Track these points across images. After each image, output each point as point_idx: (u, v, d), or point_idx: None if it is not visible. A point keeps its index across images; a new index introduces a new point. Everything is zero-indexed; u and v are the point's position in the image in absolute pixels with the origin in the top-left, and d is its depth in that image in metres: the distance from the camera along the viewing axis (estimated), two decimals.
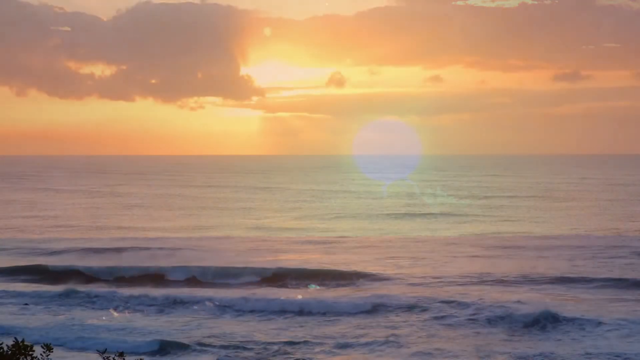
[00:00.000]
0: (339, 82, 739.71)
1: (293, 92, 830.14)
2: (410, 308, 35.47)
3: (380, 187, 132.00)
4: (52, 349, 11.05)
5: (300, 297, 37.69)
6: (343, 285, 41.77)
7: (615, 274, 43.31)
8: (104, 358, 11.27)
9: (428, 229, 68.87)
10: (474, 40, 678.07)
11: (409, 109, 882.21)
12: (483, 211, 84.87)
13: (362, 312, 35.04)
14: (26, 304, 37.51)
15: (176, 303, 36.99)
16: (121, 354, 11.13)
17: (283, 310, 35.09)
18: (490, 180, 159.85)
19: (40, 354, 11.13)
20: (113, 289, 40.20)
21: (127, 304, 36.88)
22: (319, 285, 42.06)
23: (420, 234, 64.61)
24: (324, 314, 34.75)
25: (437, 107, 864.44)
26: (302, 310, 35.34)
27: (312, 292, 40.23)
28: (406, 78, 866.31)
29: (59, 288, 40.49)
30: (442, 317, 33.72)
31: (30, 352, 11.14)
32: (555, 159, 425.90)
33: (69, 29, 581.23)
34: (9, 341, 11.51)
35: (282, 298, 37.03)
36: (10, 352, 11.12)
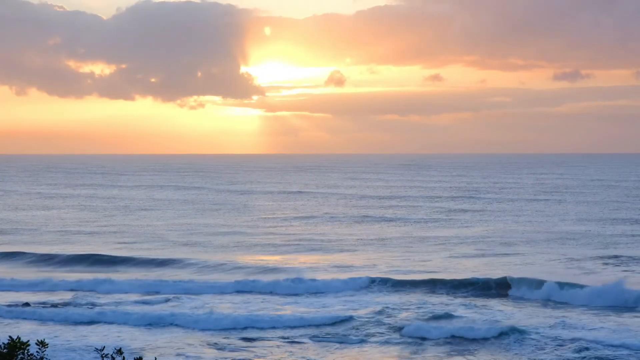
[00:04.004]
0: (338, 81, 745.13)
1: (293, 91, 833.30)
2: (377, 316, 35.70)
3: (348, 189, 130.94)
4: (47, 345, 11.01)
5: None
6: None
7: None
8: (102, 356, 11.01)
9: (378, 232, 68.20)
10: (474, 39, 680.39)
11: (408, 108, 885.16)
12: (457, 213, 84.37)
13: None
14: None
15: None
16: (120, 351, 10.93)
17: None
18: (479, 180, 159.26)
19: (37, 351, 11.00)
20: None
21: None
22: None
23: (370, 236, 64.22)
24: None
25: (437, 106, 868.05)
26: None
27: None
28: (406, 77, 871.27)
29: None
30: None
31: (27, 349, 10.95)
32: (554, 159, 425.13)
33: (69, 28, 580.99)
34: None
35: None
36: (6, 349, 10.94)
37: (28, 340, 11.23)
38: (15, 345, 11.10)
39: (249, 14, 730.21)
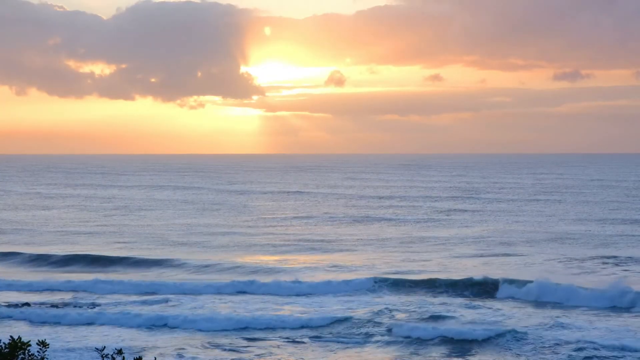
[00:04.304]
0: (338, 81, 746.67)
1: (293, 91, 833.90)
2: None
3: (337, 189, 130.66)
4: (48, 345, 11.14)
5: None
6: None
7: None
8: (102, 356, 11.12)
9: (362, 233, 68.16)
10: (474, 39, 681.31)
11: (408, 108, 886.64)
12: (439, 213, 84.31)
13: None
14: None
15: None
16: (120, 351, 11.04)
17: None
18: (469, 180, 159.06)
19: (37, 351, 11.11)
20: None
21: None
22: None
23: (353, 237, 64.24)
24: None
25: (437, 106, 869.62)
26: None
27: None
28: (406, 77, 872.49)
29: None
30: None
31: (27, 349, 11.06)
32: (554, 158, 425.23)
33: (69, 28, 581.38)
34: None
35: None
36: (7, 349, 11.05)
37: (29, 341, 11.30)
38: (16, 345, 11.17)
39: (249, 14, 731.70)
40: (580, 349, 29.55)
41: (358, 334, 32.99)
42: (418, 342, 31.70)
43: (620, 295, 38.30)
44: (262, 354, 30.42)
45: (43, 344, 11.18)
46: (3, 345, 11.29)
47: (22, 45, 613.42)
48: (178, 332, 34.19)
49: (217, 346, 31.68)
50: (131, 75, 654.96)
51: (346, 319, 35.03)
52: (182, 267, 50.38)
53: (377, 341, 32.01)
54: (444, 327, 33.09)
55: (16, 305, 38.97)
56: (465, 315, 35.54)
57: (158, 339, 32.84)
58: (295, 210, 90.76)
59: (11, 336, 11.47)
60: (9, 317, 36.80)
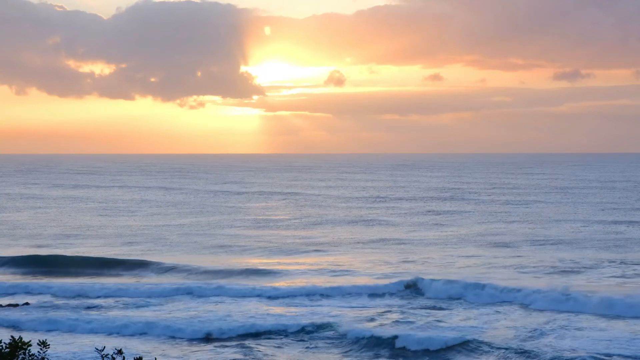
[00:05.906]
0: (338, 80, 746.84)
1: (293, 91, 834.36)
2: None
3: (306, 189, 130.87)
4: (49, 345, 11.24)
5: None
6: None
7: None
8: (102, 356, 11.25)
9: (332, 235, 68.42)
10: (474, 38, 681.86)
11: (408, 108, 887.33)
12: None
13: None
14: None
15: None
16: (120, 352, 11.18)
17: None
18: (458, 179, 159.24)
19: (38, 351, 11.25)
20: None
21: None
22: None
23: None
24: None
25: (437, 105, 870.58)
26: None
27: None
28: (406, 77, 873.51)
29: None
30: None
31: (28, 349, 11.21)
32: (554, 158, 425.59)
33: (68, 27, 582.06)
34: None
35: None
36: (8, 349, 11.19)
37: (29, 341, 11.46)
38: (17, 345, 11.32)
39: (249, 14, 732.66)
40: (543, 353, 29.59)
41: (338, 338, 32.81)
42: (405, 350, 31.45)
43: (602, 303, 37.57)
44: (254, 357, 30.45)
45: (44, 344, 11.41)
46: (4, 345, 11.44)
47: (22, 44, 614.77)
48: (170, 336, 33.95)
49: (208, 349, 31.73)
50: (131, 75, 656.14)
51: (327, 324, 34.54)
52: (176, 271, 49.93)
53: (355, 349, 31.82)
54: (434, 333, 32.71)
55: (16, 306, 39.10)
56: (455, 322, 35.19)
57: (151, 342, 32.91)
58: (291, 212, 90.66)
59: (12, 336, 11.63)
60: (11, 319, 36.82)
